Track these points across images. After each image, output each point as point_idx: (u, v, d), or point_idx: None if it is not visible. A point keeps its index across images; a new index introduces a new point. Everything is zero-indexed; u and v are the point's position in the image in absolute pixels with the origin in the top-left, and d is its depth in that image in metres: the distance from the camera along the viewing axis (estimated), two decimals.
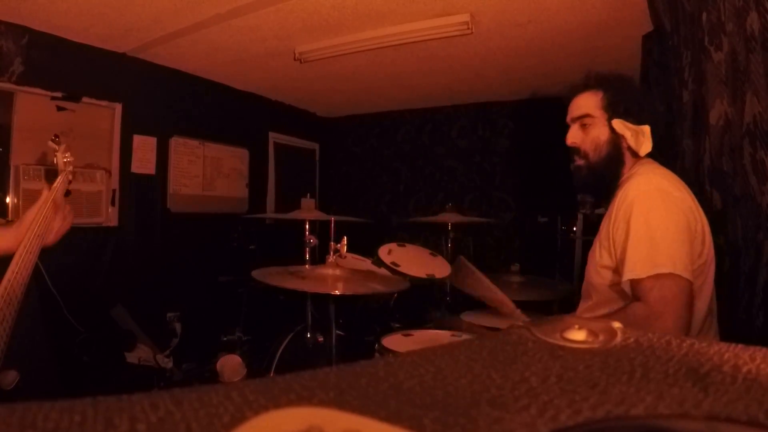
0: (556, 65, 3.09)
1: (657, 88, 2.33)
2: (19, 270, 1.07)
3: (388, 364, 0.35)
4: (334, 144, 5.07)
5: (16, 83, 2.58)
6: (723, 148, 1.43)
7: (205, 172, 3.73)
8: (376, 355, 1.76)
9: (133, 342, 2.85)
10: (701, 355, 0.35)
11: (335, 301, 2.13)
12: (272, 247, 3.59)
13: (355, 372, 0.33)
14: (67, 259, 2.54)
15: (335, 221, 2.50)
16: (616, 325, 0.41)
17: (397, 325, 2.60)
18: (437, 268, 2.43)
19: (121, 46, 2.98)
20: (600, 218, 1.33)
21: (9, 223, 1.28)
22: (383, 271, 2.27)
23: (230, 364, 2.51)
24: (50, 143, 1.49)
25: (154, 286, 3.25)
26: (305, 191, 2.94)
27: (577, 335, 0.39)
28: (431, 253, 2.60)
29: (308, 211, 2.82)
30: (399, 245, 2.52)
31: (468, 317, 2.18)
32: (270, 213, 4.23)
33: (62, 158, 1.48)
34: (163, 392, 0.27)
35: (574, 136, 1.31)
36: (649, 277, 1.07)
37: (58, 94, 2.79)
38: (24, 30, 2.58)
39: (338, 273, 1.88)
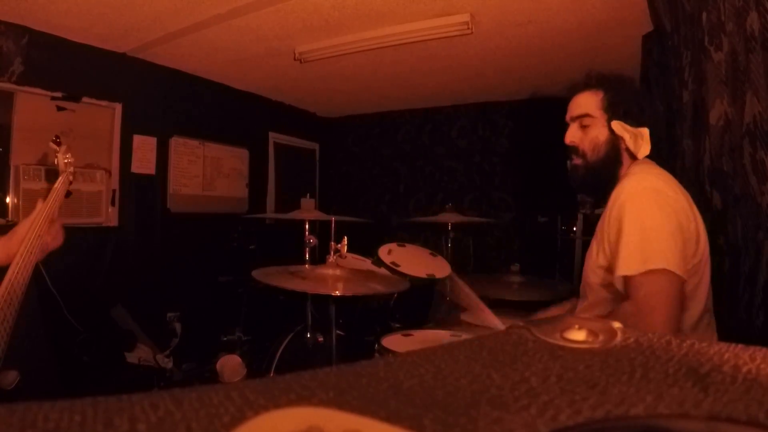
0: (556, 65, 3.09)
1: (657, 88, 2.33)
2: (19, 270, 1.08)
3: (388, 364, 0.35)
4: (334, 144, 5.07)
5: (16, 83, 2.58)
6: (723, 148, 1.43)
7: (205, 172, 3.73)
8: (376, 355, 1.76)
9: (133, 342, 2.85)
10: (701, 355, 0.35)
11: (335, 301, 2.12)
12: (272, 247, 3.59)
13: (355, 372, 0.33)
14: (67, 259, 2.52)
15: (335, 221, 2.51)
16: (616, 325, 0.41)
17: (397, 325, 2.60)
18: (437, 268, 2.43)
19: (121, 46, 2.98)
20: (599, 218, 1.33)
21: (2, 228, 1.29)
22: (383, 271, 2.27)
23: (230, 364, 2.51)
24: (51, 144, 1.50)
25: (154, 286, 3.25)
26: (305, 191, 2.94)
27: (577, 335, 0.39)
28: (431, 253, 2.60)
29: (308, 211, 2.82)
30: (399, 245, 2.52)
31: (468, 317, 2.18)
32: (270, 213, 4.23)
33: (63, 159, 1.48)
34: (163, 392, 0.27)
35: (572, 135, 1.31)
36: (640, 274, 1.07)
37: (58, 94, 2.79)
38: (24, 30, 2.58)
39: (338, 273, 1.88)
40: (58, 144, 1.50)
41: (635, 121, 1.24)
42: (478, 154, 4.31)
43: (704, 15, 1.51)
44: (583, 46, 2.78)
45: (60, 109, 2.82)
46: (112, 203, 3.10)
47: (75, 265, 2.76)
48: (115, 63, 3.06)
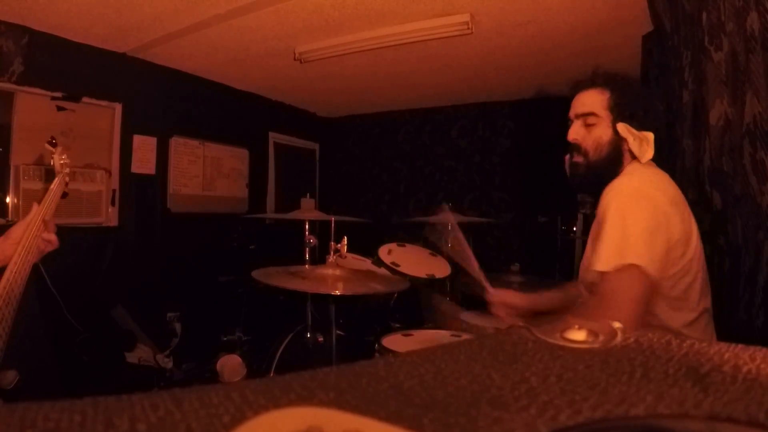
0: (556, 65, 3.09)
1: (657, 88, 2.33)
2: (17, 270, 1.09)
3: (388, 364, 0.35)
4: (334, 144, 5.07)
5: (16, 83, 2.58)
6: (723, 148, 1.43)
7: (205, 172, 3.73)
8: (376, 355, 1.76)
9: (133, 342, 2.85)
10: (701, 355, 0.35)
11: (335, 301, 2.12)
12: (272, 247, 3.59)
13: (355, 372, 0.33)
14: (67, 259, 2.53)
15: (335, 221, 2.51)
16: (616, 325, 0.41)
17: (397, 325, 2.60)
18: (437, 268, 2.43)
19: (121, 46, 2.98)
20: None
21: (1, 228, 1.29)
22: (383, 271, 2.27)
23: (230, 364, 2.51)
24: (46, 146, 1.50)
25: (154, 286, 3.25)
26: (305, 191, 2.94)
27: (577, 335, 0.39)
28: (431, 253, 2.60)
29: (308, 211, 2.82)
30: (399, 245, 2.52)
31: (468, 317, 2.18)
32: (270, 213, 4.23)
33: (59, 160, 1.49)
34: (163, 392, 0.27)
35: (576, 133, 1.30)
36: (613, 270, 1.08)
37: (58, 94, 2.79)
38: (24, 30, 2.58)
39: (338, 273, 1.88)
40: (54, 145, 1.50)
41: (640, 124, 1.23)
42: (478, 154, 4.31)
43: (704, 15, 1.51)
44: (583, 46, 2.78)
45: (60, 109, 2.82)
46: (112, 203, 3.10)
47: (75, 265, 2.76)
48: (115, 63, 3.06)
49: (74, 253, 2.78)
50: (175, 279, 3.34)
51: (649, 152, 1.21)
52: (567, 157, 1.35)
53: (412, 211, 4.50)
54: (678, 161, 1.89)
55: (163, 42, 2.88)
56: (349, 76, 3.55)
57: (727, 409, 0.27)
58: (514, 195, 4.15)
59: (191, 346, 3.11)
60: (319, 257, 2.59)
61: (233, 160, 3.96)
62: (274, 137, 4.43)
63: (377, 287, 1.88)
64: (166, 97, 3.41)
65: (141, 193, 3.27)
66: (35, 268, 1.17)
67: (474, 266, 1.67)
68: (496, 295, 1.56)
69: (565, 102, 1.36)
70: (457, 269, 2.46)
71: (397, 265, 2.26)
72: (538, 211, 3.77)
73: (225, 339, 2.97)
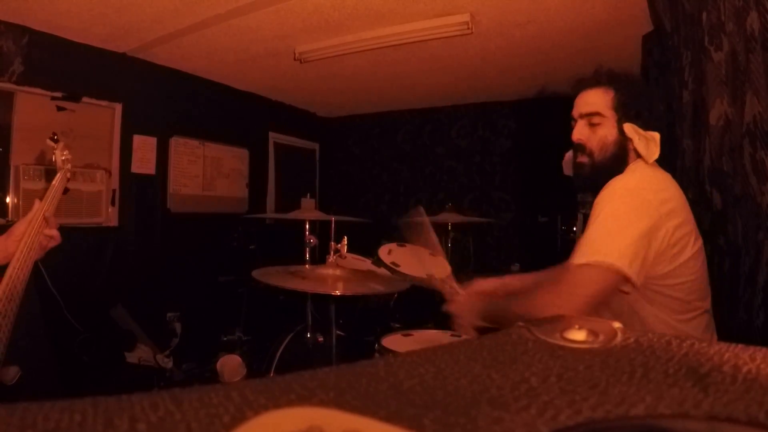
0: (556, 65, 3.09)
1: (657, 88, 2.33)
2: (20, 267, 1.10)
3: (388, 364, 0.35)
4: (334, 144, 5.07)
5: (16, 83, 2.58)
6: (723, 148, 1.43)
7: (205, 172, 3.73)
8: (376, 355, 1.76)
9: (133, 342, 2.85)
10: (701, 355, 0.35)
11: (335, 301, 2.12)
12: (272, 247, 3.59)
13: (355, 372, 0.33)
14: (67, 259, 2.54)
15: (335, 221, 2.50)
16: (616, 325, 0.41)
17: (397, 325, 2.60)
18: (437, 268, 2.42)
19: (121, 46, 2.98)
20: None
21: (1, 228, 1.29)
22: (383, 271, 2.27)
23: (230, 364, 2.51)
24: (48, 141, 1.50)
25: (154, 286, 3.25)
26: (305, 191, 2.95)
27: (577, 335, 0.39)
28: (431, 253, 2.60)
29: (308, 211, 2.82)
30: (399, 245, 2.52)
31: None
32: (270, 213, 4.23)
33: (60, 156, 1.49)
34: (163, 392, 0.27)
35: (580, 133, 1.29)
36: (587, 264, 1.07)
37: (58, 94, 2.79)
38: (24, 30, 2.58)
39: (338, 273, 1.88)
40: (56, 141, 1.50)
41: (645, 124, 1.22)
42: (478, 154, 4.31)
43: (704, 15, 1.51)
44: (583, 46, 2.78)
45: (60, 109, 2.82)
46: (112, 203, 3.10)
47: (75, 265, 2.77)
48: (115, 63, 3.06)
49: (74, 253, 2.79)
50: (175, 279, 3.34)
51: (656, 152, 1.21)
52: (567, 154, 1.35)
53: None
54: (678, 161, 1.89)
55: (163, 42, 2.88)
56: (349, 76, 3.55)
57: (727, 409, 0.27)
58: (514, 195, 4.15)
59: (191, 346, 3.11)
60: (319, 257, 2.59)
61: (233, 160, 3.97)
62: (274, 137, 4.44)
63: (377, 287, 1.88)
64: (166, 97, 3.41)
65: (141, 193, 3.27)
66: (35, 268, 1.18)
67: (444, 272, 1.64)
68: (463, 298, 1.50)
69: (566, 102, 1.35)
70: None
71: (397, 265, 2.25)
72: (538, 211, 3.77)
73: (225, 339, 2.97)
